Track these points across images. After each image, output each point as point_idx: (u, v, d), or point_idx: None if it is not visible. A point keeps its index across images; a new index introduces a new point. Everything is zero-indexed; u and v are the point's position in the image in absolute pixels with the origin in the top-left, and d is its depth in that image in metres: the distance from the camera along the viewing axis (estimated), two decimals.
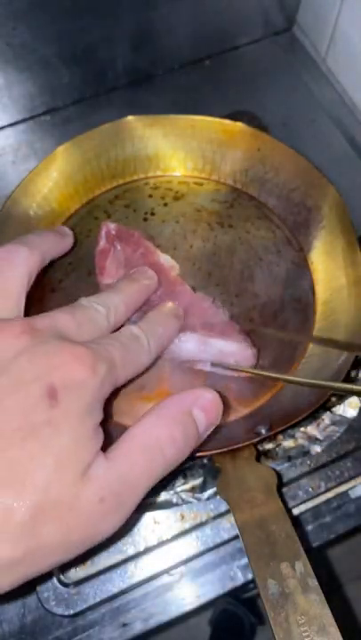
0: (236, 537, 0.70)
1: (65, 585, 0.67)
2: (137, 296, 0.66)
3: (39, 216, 0.82)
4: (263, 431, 0.64)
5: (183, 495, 0.71)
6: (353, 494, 0.75)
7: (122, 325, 0.60)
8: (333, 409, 0.76)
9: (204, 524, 0.71)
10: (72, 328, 0.50)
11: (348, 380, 0.78)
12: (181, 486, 0.72)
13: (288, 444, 0.75)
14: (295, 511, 0.73)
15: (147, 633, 0.69)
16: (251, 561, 0.53)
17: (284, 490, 0.72)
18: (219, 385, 0.73)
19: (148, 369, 0.60)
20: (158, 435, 0.47)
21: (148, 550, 0.70)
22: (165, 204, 0.87)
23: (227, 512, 0.71)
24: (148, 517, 0.71)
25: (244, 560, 0.71)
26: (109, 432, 0.49)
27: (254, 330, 0.75)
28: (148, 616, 0.69)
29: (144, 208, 0.87)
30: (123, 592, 0.68)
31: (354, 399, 0.76)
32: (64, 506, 0.39)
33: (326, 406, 0.76)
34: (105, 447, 0.46)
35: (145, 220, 0.86)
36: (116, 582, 0.68)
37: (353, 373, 0.77)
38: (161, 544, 0.70)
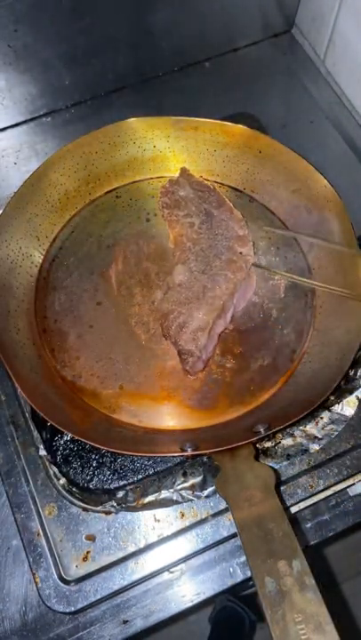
0: (235, 534, 0.71)
1: (66, 582, 0.68)
2: None
3: (41, 216, 0.83)
4: (262, 430, 0.64)
5: (183, 493, 0.72)
6: (351, 492, 0.76)
7: None
8: (332, 407, 0.77)
9: (204, 522, 0.72)
10: None
11: (346, 379, 0.78)
12: (182, 484, 0.72)
13: (287, 442, 0.76)
14: (294, 509, 0.74)
15: (147, 630, 0.70)
16: (248, 558, 0.54)
17: (284, 488, 0.73)
18: (216, 385, 0.74)
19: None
20: None
21: (148, 548, 0.70)
22: None
23: (226, 510, 0.72)
24: (149, 515, 0.72)
25: (244, 557, 0.72)
26: None
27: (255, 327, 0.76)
28: (149, 613, 0.70)
29: (146, 209, 0.87)
30: (123, 589, 0.69)
31: (352, 398, 0.77)
32: None
33: (325, 405, 0.77)
34: None
35: (147, 220, 0.86)
36: (116, 579, 0.68)
37: (351, 372, 0.78)
38: (161, 541, 0.71)
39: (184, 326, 0.73)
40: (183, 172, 0.85)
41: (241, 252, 0.78)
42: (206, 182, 0.85)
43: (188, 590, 0.71)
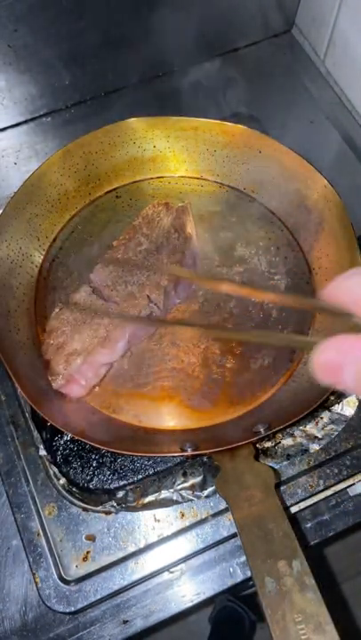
0: (235, 534, 0.71)
1: (66, 582, 0.68)
2: None
3: (41, 216, 0.83)
4: (262, 430, 0.64)
5: (183, 493, 0.72)
6: (351, 492, 0.76)
7: None
8: (332, 407, 0.77)
9: (204, 522, 0.72)
10: None
11: None
12: (182, 484, 0.72)
13: (287, 442, 0.76)
14: (294, 509, 0.74)
15: (147, 630, 0.70)
16: (248, 559, 0.54)
17: (284, 488, 0.73)
18: (216, 385, 0.74)
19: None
20: None
21: (148, 548, 0.71)
22: None
23: (226, 510, 0.72)
24: (149, 515, 0.72)
25: (244, 557, 0.72)
26: None
27: (254, 330, 0.76)
28: (149, 613, 0.70)
29: None
30: (123, 589, 0.69)
31: (352, 397, 0.77)
32: None
33: (325, 405, 0.77)
34: None
35: None
36: (116, 579, 0.68)
37: None
38: (161, 541, 0.71)
39: (61, 346, 0.72)
40: (184, 207, 0.84)
41: (148, 297, 0.75)
42: (189, 231, 0.83)
43: (188, 590, 0.71)
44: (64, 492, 0.73)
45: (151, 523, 0.72)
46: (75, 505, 0.72)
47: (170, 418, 0.72)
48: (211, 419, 0.72)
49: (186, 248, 0.80)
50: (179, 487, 0.72)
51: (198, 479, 0.73)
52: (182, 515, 0.72)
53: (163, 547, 0.71)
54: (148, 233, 0.81)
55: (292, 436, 0.76)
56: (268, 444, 0.75)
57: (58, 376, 0.70)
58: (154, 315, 0.75)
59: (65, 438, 0.73)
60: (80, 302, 0.75)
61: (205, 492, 0.72)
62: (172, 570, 0.71)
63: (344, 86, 1.05)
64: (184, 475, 0.73)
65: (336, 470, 0.74)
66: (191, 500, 0.72)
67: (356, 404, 0.77)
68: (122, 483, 0.71)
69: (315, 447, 0.75)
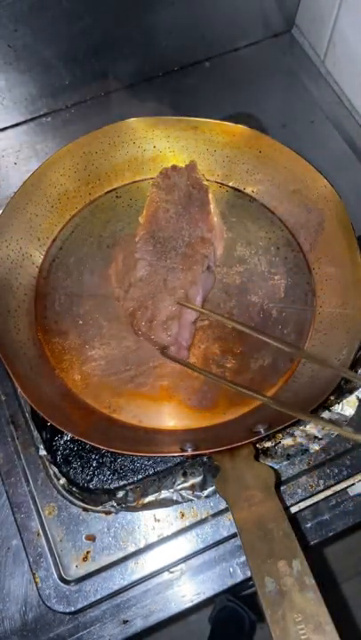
0: (235, 534, 0.71)
1: (66, 582, 0.68)
2: None
3: (41, 216, 0.83)
4: (262, 430, 0.64)
5: (183, 493, 0.72)
6: (351, 492, 0.76)
7: None
8: (332, 408, 0.77)
9: (204, 522, 0.72)
10: None
11: (347, 379, 0.78)
12: (182, 484, 0.72)
13: (287, 442, 0.76)
14: (294, 509, 0.74)
15: (147, 630, 0.70)
16: (248, 559, 0.54)
17: (284, 488, 0.73)
18: (216, 385, 0.74)
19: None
20: None
21: (148, 548, 0.70)
22: None
23: (226, 510, 0.72)
24: (149, 515, 0.72)
25: (244, 557, 0.72)
26: None
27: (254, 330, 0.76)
28: (149, 613, 0.70)
29: None
30: (123, 589, 0.69)
31: (352, 398, 0.77)
32: None
33: (325, 405, 0.77)
34: None
35: None
36: (116, 579, 0.68)
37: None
38: (161, 541, 0.71)
39: (153, 320, 0.75)
40: (192, 165, 0.85)
41: (201, 252, 0.78)
42: (205, 183, 0.85)
43: (188, 590, 0.71)
44: (64, 492, 0.73)
45: (151, 523, 0.72)
46: (75, 505, 0.72)
47: (170, 418, 0.72)
48: (211, 419, 0.72)
49: (205, 197, 0.84)
50: (179, 487, 0.72)
51: (198, 479, 0.73)
52: (182, 515, 0.72)
53: (163, 547, 0.71)
54: (168, 198, 0.83)
55: (292, 436, 0.76)
56: (268, 444, 0.75)
57: (171, 345, 0.74)
58: (211, 268, 0.80)
59: (65, 438, 0.73)
60: (144, 275, 0.78)
61: (205, 492, 0.72)
62: (172, 570, 0.71)
63: (344, 86, 1.05)
64: (184, 475, 0.73)
65: (336, 470, 0.74)
66: (191, 500, 0.72)
67: (357, 403, 0.77)
68: (122, 483, 0.71)
69: (315, 447, 0.75)
